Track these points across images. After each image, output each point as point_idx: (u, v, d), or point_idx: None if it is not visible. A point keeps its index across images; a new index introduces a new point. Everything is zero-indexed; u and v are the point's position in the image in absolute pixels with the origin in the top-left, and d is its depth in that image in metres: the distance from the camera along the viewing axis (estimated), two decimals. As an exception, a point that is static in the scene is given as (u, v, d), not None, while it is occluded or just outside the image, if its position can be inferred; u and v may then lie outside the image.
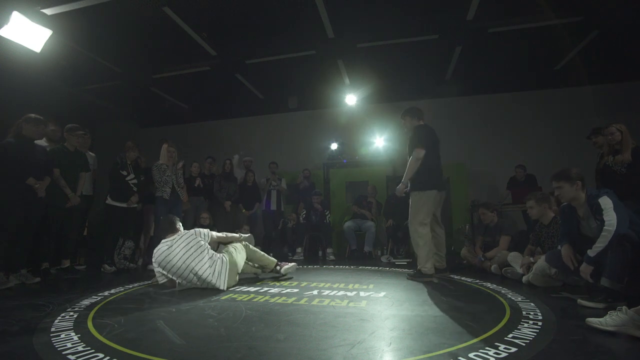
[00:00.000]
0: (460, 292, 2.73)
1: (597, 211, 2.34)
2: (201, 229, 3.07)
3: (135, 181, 4.33)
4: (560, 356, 1.42)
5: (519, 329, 1.73)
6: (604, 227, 2.24)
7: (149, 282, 3.28)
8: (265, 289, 2.88)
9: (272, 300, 2.48)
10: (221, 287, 2.80)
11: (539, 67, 5.96)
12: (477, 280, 3.23)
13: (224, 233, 3.28)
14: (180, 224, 3.18)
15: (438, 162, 3.42)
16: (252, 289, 2.88)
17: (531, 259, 3.14)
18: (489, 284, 3.03)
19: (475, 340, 1.59)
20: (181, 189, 4.54)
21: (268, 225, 6.08)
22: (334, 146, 6.99)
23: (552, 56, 5.58)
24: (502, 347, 1.50)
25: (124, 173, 4.26)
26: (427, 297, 2.52)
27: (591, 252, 2.27)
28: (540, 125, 6.28)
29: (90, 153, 4.64)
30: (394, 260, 5.01)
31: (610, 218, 2.23)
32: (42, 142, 3.80)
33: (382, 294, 2.65)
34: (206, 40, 4.94)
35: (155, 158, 4.52)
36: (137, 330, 1.82)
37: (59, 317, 2.07)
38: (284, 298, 2.54)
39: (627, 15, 4.24)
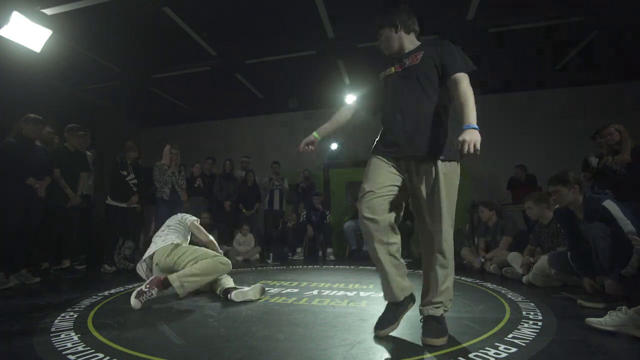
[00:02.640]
0: (460, 292, 2.73)
1: (603, 215, 2.29)
2: (186, 215, 2.99)
3: (135, 181, 4.33)
4: (560, 356, 1.42)
5: (519, 329, 1.74)
6: (633, 237, 2.17)
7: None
8: (266, 289, 2.88)
9: (272, 300, 2.48)
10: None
11: (539, 67, 5.95)
12: (477, 280, 3.23)
13: (209, 236, 2.89)
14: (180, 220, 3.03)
15: None
16: (252, 289, 2.88)
17: (531, 259, 3.14)
18: (489, 284, 3.03)
19: (475, 340, 1.59)
20: (181, 190, 4.54)
21: (270, 225, 6.09)
22: (334, 146, 6.99)
23: (552, 56, 5.57)
24: (502, 347, 1.50)
25: (124, 173, 4.26)
26: (427, 297, 2.52)
27: (627, 272, 2.16)
28: (540, 125, 6.28)
29: (88, 152, 4.64)
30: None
31: (626, 223, 2.21)
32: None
33: (382, 294, 2.64)
34: (206, 40, 4.93)
35: (155, 158, 4.52)
36: (137, 330, 1.82)
37: (59, 317, 2.07)
38: (284, 298, 2.54)
39: (627, 15, 4.24)
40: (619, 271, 2.18)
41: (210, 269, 2.36)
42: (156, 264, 2.53)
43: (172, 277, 2.25)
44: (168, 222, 2.94)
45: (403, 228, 5.42)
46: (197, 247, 2.62)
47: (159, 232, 2.84)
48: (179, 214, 3.05)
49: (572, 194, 2.45)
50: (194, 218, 2.96)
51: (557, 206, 2.66)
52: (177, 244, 2.60)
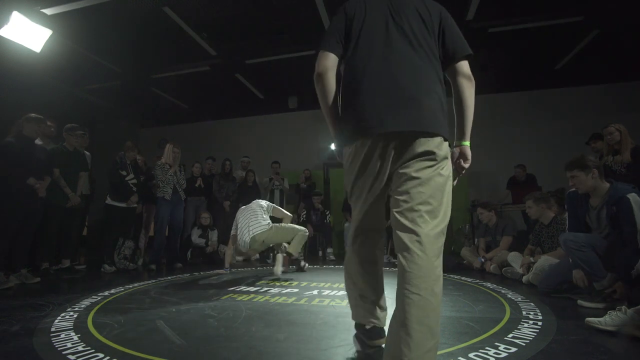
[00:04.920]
0: (460, 292, 2.73)
1: (621, 207, 2.15)
2: (266, 202, 3.81)
3: (134, 181, 4.33)
4: (560, 356, 1.42)
5: (519, 329, 1.74)
6: (635, 236, 2.07)
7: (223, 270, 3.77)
8: (265, 289, 2.88)
9: (272, 300, 2.48)
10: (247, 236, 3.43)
11: (539, 67, 5.96)
12: (477, 280, 3.23)
13: (285, 213, 3.85)
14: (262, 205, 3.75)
15: None
16: (252, 289, 2.88)
17: (531, 259, 3.14)
18: (489, 284, 3.03)
19: (475, 340, 1.59)
20: (182, 190, 4.54)
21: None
22: (333, 146, 6.99)
23: (552, 56, 5.58)
24: (502, 347, 1.50)
25: (124, 173, 4.26)
26: (427, 297, 2.52)
27: (634, 273, 2.08)
28: (540, 125, 6.29)
29: (86, 152, 4.63)
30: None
31: (638, 221, 2.09)
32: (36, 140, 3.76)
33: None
34: (206, 40, 4.94)
35: (155, 158, 4.52)
36: (137, 330, 1.82)
37: (59, 317, 2.07)
38: (284, 298, 2.54)
39: (627, 15, 4.24)
40: (629, 272, 2.10)
41: (302, 239, 3.57)
42: (262, 241, 3.46)
43: (290, 251, 3.50)
44: (251, 210, 3.62)
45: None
46: (284, 224, 3.61)
47: (249, 217, 3.54)
48: (259, 200, 3.85)
49: (592, 179, 2.29)
50: (271, 204, 3.86)
51: (572, 189, 2.45)
52: (271, 225, 3.50)
